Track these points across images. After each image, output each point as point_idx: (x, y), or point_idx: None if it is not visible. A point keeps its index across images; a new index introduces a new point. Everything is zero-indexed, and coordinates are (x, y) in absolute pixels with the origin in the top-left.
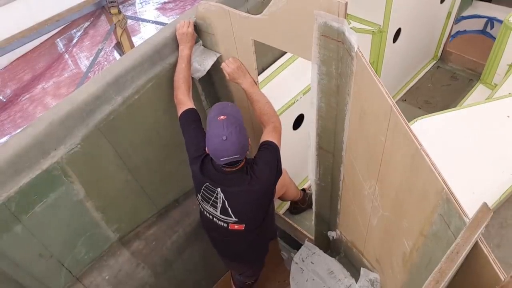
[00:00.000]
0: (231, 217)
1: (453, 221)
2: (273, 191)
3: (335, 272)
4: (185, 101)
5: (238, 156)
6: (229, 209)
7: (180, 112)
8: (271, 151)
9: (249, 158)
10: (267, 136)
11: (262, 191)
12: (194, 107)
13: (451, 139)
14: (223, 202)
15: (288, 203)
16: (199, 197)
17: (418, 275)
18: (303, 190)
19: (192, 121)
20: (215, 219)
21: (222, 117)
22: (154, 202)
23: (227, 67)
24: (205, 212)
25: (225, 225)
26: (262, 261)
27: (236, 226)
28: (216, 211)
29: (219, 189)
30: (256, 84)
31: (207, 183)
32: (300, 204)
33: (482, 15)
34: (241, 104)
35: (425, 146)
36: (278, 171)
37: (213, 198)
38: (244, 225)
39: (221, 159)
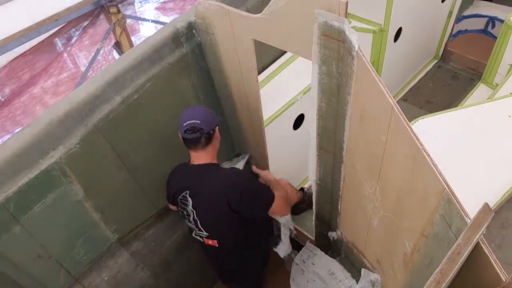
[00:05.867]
0: (202, 231)
1: (454, 222)
2: (253, 218)
3: (335, 273)
4: None
5: (199, 122)
6: (198, 221)
7: None
8: (261, 185)
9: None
10: (274, 189)
11: (229, 204)
12: None
13: (452, 139)
14: (193, 213)
15: None
16: (185, 220)
17: (419, 275)
18: (302, 189)
19: None
20: (196, 236)
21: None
22: (153, 203)
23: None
24: (193, 232)
25: (201, 239)
26: (260, 273)
27: (210, 242)
28: (193, 225)
29: (189, 198)
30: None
31: (179, 196)
32: (300, 204)
33: (483, 14)
34: (241, 101)
35: (426, 146)
36: (259, 204)
37: (186, 212)
38: (216, 241)
39: (184, 124)
